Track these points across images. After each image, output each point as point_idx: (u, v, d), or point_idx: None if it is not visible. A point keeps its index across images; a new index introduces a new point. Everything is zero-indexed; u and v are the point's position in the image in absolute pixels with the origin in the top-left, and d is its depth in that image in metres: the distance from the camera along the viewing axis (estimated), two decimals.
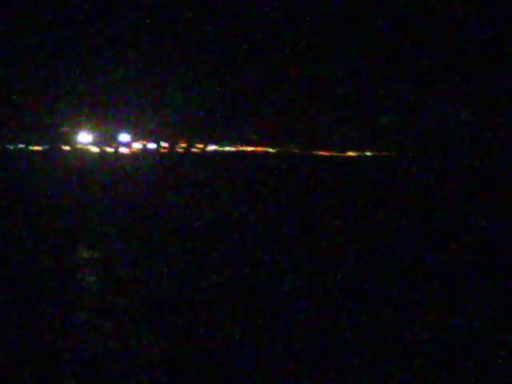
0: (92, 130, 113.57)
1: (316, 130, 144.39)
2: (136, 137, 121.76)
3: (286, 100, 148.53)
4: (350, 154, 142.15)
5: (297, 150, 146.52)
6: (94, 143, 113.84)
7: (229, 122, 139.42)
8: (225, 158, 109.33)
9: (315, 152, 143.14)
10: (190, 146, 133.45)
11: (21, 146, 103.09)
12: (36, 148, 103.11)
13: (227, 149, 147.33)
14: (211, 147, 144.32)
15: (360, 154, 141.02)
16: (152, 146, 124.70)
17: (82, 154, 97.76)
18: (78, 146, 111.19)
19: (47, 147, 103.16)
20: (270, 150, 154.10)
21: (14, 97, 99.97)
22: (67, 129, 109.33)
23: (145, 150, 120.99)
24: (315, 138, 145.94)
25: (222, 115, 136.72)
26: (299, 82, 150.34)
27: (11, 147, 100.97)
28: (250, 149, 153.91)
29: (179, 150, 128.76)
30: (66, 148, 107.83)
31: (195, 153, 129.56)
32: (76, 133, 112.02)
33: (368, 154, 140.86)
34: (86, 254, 13.57)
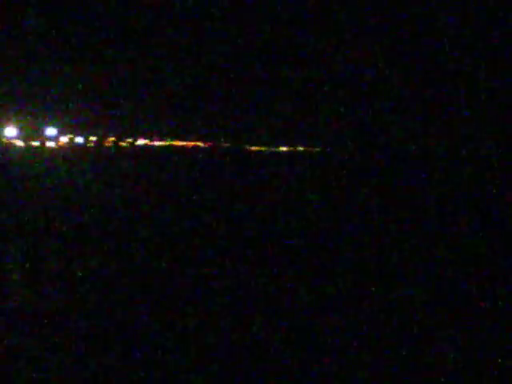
0: (17, 123, 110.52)
1: (249, 124, 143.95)
2: (63, 130, 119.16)
3: (218, 95, 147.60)
4: (283, 148, 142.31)
5: (228, 144, 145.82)
6: (20, 137, 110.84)
7: (159, 115, 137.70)
8: (154, 152, 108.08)
9: (247, 146, 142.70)
10: (119, 140, 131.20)
11: None
12: None
13: (157, 143, 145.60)
14: (141, 141, 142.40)
15: (292, 148, 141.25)
16: (80, 139, 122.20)
17: (7, 148, 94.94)
18: (3, 139, 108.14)
19: None
20: (201, 144, 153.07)
21: None
22: None
23: (72, 143, 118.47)
24: (248, 133, 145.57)
25: (151, 109, 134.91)
26: (232, 77, 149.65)
27: None
28: (180, 143, 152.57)
29: (108, 145, 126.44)
30: None
31: (124, 147, 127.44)
32: (1, 126, 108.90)
33: (300, 148, 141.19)
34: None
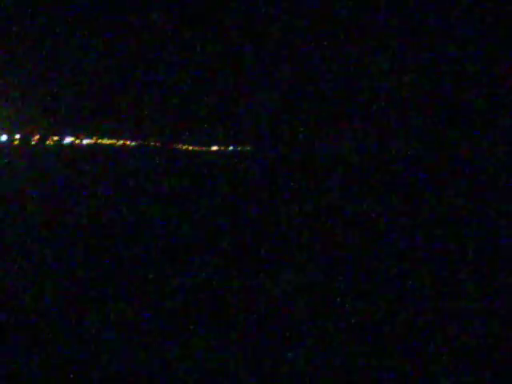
0: None
1: (180, 124, 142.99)
2: None
3: (149, 91, 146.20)
4: (214, 148, 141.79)
5: (158, 144, 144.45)
6: None
7: (86, 113, 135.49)
8: (82, 151, 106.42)
9: (178, 146, 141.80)
10: (45, 138, 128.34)
11: None
12: None
13: (85, 141, 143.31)
14: (68, 140, 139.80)
15: (223, 148, 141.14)
16: (3, 138, 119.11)
17: None
18: None
19: None
20: (130, 142, 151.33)
21: None
22: None
23: None
24: (179, 132, 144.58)
25: (79, 106, 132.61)
26: (163, 73, 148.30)
27: None
28: (108, 141, 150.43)
29: (33, 143, 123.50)
30: None
31: (49, 146, 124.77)
32: None
33: (230, 148, 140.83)
34: None
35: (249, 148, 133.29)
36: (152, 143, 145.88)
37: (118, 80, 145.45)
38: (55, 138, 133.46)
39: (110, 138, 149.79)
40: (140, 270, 11.58)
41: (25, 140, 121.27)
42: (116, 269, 11.61)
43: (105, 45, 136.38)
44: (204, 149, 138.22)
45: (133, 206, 22.94)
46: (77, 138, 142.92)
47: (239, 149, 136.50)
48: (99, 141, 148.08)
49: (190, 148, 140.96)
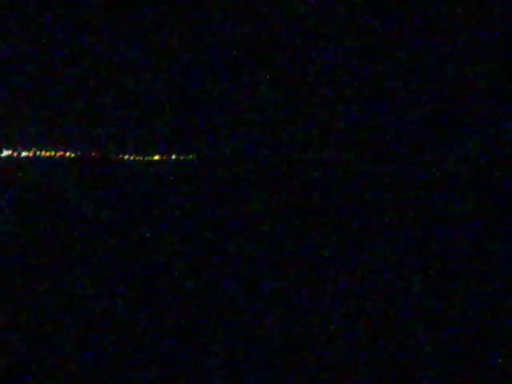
0: None
1: (120, 133, 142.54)
2: None
3: (86, 98, 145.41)
4: (156, 157, 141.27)
5: (98, 154, 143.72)
6: None
7: (24, 124, 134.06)
8: (20, 163, 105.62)
9: (119, 156, 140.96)
10: None
11: None
12: None
13: (24, 154, 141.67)
14: (5, 153, 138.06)
15: (166, 157, 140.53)
16: None
17: None
18: None
19: None
20: (69, 153, 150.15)
21: None
22: None
23: None
24: (119, 142, 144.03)
25: (15, 117, 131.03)
26: (100, 79, 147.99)
27: None
28: (47, 153, 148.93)
29: None
30: None
31: None
32: None
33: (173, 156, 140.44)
34: None
35: (192, 157, 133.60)
36: (92, 154, 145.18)
37: (56, 89, 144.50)
38: None
39: (48, 149, 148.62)
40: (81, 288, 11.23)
41: None
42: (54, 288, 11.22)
43: (42, 54, 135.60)
44: (146, 158, 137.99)
45: (74, 219, 22.65)
46: (14, 150, 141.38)
47: (182, 158, 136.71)
48: (38, 153, 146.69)
49: (132, 158, 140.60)
